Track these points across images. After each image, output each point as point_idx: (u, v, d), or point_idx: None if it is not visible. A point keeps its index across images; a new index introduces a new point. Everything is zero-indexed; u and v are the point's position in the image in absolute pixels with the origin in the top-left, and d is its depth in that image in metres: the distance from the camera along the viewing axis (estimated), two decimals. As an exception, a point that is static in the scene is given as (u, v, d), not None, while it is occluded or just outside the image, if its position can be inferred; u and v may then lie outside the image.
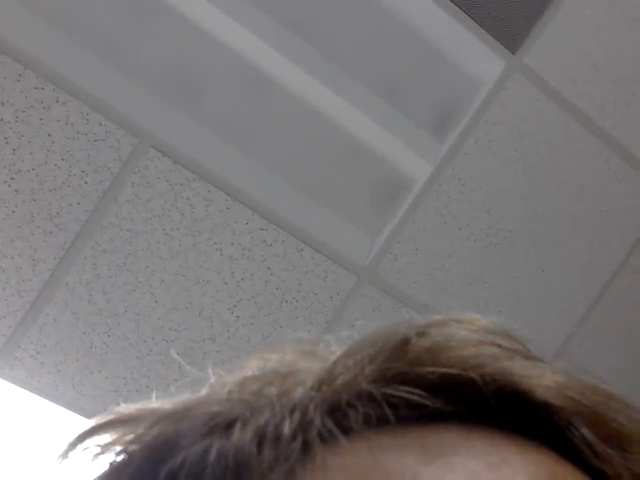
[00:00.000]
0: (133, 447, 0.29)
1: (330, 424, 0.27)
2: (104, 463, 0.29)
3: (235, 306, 1.41)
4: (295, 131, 1.37)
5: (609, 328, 1.73)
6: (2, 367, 1.28)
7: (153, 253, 1.33)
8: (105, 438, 0.30)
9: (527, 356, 0.31)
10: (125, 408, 0.31)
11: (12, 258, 1.25)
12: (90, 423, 0.31)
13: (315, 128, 1.38)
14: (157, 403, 0.30)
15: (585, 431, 0.28)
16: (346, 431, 0.27)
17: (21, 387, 1.30)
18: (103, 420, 0.31)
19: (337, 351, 0.31)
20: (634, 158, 1.62)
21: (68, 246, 1.28)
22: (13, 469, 1.33)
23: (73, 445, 0.30)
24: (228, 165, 1.35)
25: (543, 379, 0.29)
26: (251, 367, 0.31)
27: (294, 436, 0.27)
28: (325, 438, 0.27)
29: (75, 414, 1.34)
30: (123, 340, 1.34)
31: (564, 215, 1.61)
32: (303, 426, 0.27)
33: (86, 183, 1.26)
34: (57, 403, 1.33)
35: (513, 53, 1.45)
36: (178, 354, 1.38)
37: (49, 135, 1.22)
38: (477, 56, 1.44)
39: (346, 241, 1.47)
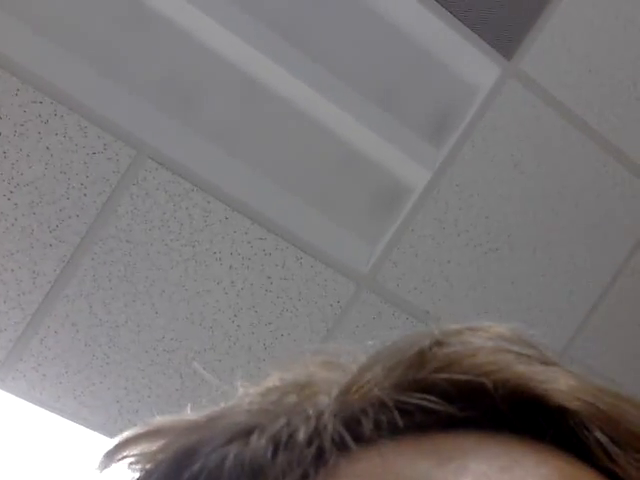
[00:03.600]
0: (159, 457, 0.30)
1: (343, 431, 0.28)
2: (134, 473, 0.31)
3: (236, 315, 1.41)
4: (292, 140, 1.38)
5: (609, 332, 1.73)
6: (3, 379, 1.29)
7: (153, 264, 1.33)
8: (135, 450, 0.31)
9: (542, 361, 0.31)
10: (155, 421, 0.32)
11: (12, 271, 1.25)
12: (123, 436, 0.32)
13: (313, 137, 1.39)
14: (184, 416, 0.32)
15: (598, 433, 0.29)
16: (359, 438, 0.28)
17: (23, 399, 1.30)
18: (134, 433, 0.32)
19: (358, 362, 0.32)
20: (631, 162, 1.62)
21: (68, 258, 1.28)
22: (16, 481, 1.33)
23: (108, 457, 0.32)
24: (226, 175, 1.35)
25: (557, 383, 0.30)
26: (273, 378, 0.32)
27: (309, 442, 0.28)
28: (338, 445, 0.28)
29: (77, 425, 1.34)
30: (124, 351, 1.34)
31: (562, 219, 1.62)
32: (317, 433, 0.28)
33: (85, 195, 1.27)
34: (59, 414, 1.33)
35: (508, 59, 1.45)
36: (181, 364, 1.38)
37: (47, 148, 1.23)
38: (473, 63, 1.45)
39: (345, 249, 1.47)
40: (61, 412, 1.33)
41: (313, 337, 1.47)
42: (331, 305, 1.48)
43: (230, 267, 1.39)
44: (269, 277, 1.42)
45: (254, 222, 1.38)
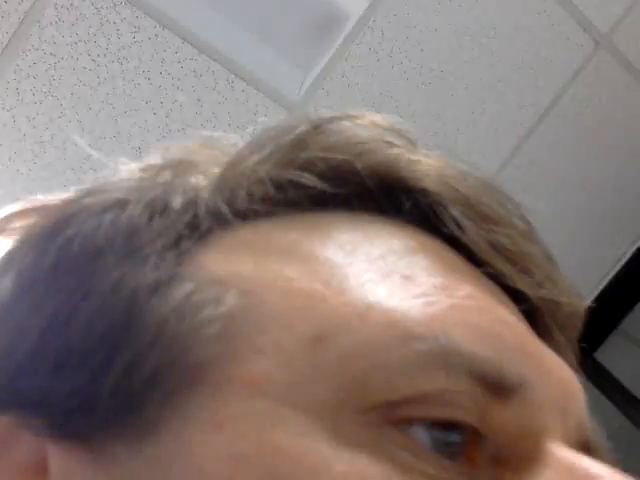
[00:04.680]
0: (35, 228, 0.30)
1: (219, 202, 0.30)
2: (5, 247, 0.31)
3: (164, 137, 1.40)
4: (227, -44, 1.32)
5: (530, 171, 1.79)
6: None
7: (79, 79, 1.30)
8: (14, 224, 0.32)
9: (411, 149, 0.33)
10: (35, 198, 0.32)
11: None
12: (3, 212, 0.32)
13: (248, -46, 1.33)
14: (62, 194, 0.32)
15: (453, 210, 0.31)
16: (234, 211, 0.30)
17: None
18: (14, 209, 0.32)
19: (239, 146, 0.33)
20: (568, 0, 1.61)
21: (-11, 69, 1.23)
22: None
23: None
24: (157, -10, 1.30)
25: (423, 166, 0.32)
26: (154, 156, 0.32)
27: (184, 210, 0.29)
28: (213, 214, 0.29)
29: (3, 239, 1.35)
30: (49, 167, 1.33)
31: (496, 57, 1.62)
32: (193, 203, 0.29)
33: (6, 2, 1.20)
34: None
35: None
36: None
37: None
38: None
39: (278, 75, 1.46)
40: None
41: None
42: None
43: (159, 87, 1.36)
44: (199, 99, 1.40)
45: (185, 42, 1.34)
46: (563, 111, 1.75)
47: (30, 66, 1.25)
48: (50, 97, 1.29)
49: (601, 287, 1.99)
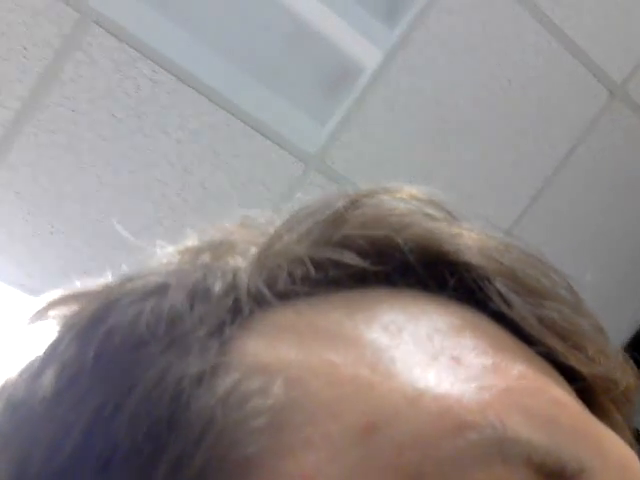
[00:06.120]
0: (76, 318, 0.30)
1: (259, 283, 0.29)
2: (47, 337, 0.30)
3: (182, 190, 1.41)
4: (245, 14, 1.35)
5: (547, 223, 1.78)
6: (-55, 246, 1.27)
7: (98, 134, 1.31)
8: (54, 312, 0.31)
9: (452, 222, 0.32)
10: (73, 286, 0.32)
11: (-48, 135, 1.22)
12: (37, 302, 0.32)
13: (266, 11, 1.36)
14: (100, 280, 0.31)
15: (498, 284, 0.30)
16: (274, 292, 0.29)
17: (-35, 266, 1.29)
18: (49, 299, 0.32)
19: (276, 224, 0.32)
20: (582, 52, 1.63)
21: (10, 125, 1.25)
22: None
23: (29, 319, 0.32)
24: (175, 45, 1.32)
25: (464, 239, 0.31)
26: (191, 239, 0.32)
27: (225, 294, 0.29)
28: (254, 297, 0.29)
29: (24, 294, 1.35)
30: (69, 222, 1.34)
31: (512, 107, 1.63)
32: (233, 286, 0.29)
33: (26, 58, 1.22)
34: (4, 282, 1.33)
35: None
36: (126, 238, 1.38)
37: (-13, 7, 1.18)
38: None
39: (295, 128, 1.47)
40: (6, 280, 1.33)
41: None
42: (279, 184, 1.48)
43: (177, 141, 1.37)
44: (217, 153, 1.41)
45: (203, 96, 1.36)
46: (579, 161, 1.75)
47: (50, 121, 1.27)
48: (69, 152, 1.30)
49: (626, 341, 1.95)
